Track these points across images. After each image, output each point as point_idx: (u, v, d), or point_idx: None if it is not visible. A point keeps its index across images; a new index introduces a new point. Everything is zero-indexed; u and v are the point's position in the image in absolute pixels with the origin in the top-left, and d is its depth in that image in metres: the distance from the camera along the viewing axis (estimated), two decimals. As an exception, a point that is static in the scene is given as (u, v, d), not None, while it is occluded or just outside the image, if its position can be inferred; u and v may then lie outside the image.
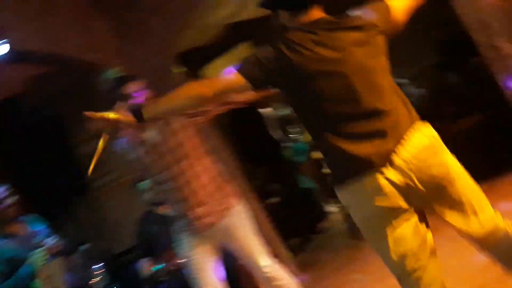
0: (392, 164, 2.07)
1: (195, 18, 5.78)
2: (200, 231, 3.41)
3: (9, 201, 3.86)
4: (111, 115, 2.39)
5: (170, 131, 3.35)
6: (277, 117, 6.85)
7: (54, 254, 3.80)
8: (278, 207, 6.63)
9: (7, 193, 3.87)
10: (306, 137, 7.09)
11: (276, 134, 6.62)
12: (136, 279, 4.66)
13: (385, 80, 2.20)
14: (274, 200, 6.80)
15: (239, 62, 2.26)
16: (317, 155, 5.86)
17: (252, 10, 7.59)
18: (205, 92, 2.24)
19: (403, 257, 2.14)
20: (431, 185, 2.10)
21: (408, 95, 4.77)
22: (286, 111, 7.05)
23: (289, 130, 7.01)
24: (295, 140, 6.93)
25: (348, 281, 4.74)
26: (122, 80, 3.45)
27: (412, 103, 2.30)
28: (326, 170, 6.03)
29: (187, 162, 3.38)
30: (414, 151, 2.09)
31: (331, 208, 6.90)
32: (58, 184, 5.64)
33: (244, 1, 7.01)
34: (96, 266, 4.11)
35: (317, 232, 6.55)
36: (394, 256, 2.15)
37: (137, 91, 3.40)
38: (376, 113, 2.12)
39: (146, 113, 2.37)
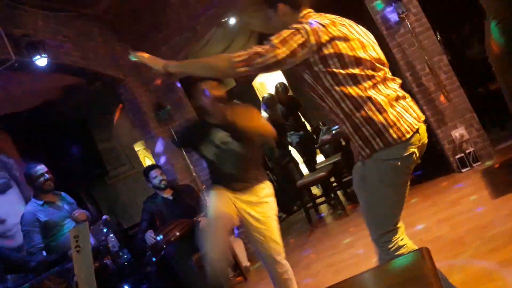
0: None
1: (195, 50, 5.88)
2: None
3: (49, 176, 3.84)
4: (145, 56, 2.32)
5: None
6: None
7: (81, 221, 3.78)
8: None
9: (46, 169, 3.85)
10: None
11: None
12: (141, 247, 4.61)
13: None
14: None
15: None
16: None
17: (237, 47, 7.77)
18: (227, 69, 1.98)
19: None
20: None
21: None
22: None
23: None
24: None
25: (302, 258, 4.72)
26: None
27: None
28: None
29: None
30: None
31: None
32: (81, 172, 5.59)
33: (229, 42, 7.17)
34: (111, 234, 4.05)
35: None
36: None
37: None
38: None
39: (172, 66, 2.18)
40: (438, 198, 4.29)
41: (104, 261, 3.71)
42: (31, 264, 3.66)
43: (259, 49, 1.91)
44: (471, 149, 4.74)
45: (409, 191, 5.04)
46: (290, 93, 8.00)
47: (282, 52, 1.88)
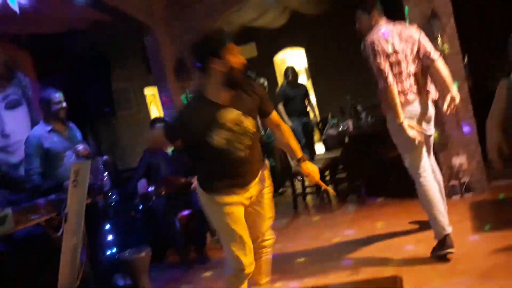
0: None
1: (226, 15, 5.88)
2: None
3: (64, 105, 3.90)
4: None
5: None
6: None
7: (82, 155, 3.86)
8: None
9: (62, 97, 3.90)
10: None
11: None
12: (131, 191, 4.74)
13: None
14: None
15: None
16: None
17: (264, 22, 7.75)
18: None
19: None
20: None
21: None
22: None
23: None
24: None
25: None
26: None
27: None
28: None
29: None
30: None
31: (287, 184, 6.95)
32: (91, 107, 5.65)
33: (262, 12, 7.15)
34: (105, 173, 4.12)
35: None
36: None
37: None
38: None
39: None
40: (422, 218, 4.37)
41: (96, 199, 3.82)
42: (27, 185, 3.77)
43: None
44: (466, 179, 4.82)
45: (398, 205, 5.09)
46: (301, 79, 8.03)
47: None
